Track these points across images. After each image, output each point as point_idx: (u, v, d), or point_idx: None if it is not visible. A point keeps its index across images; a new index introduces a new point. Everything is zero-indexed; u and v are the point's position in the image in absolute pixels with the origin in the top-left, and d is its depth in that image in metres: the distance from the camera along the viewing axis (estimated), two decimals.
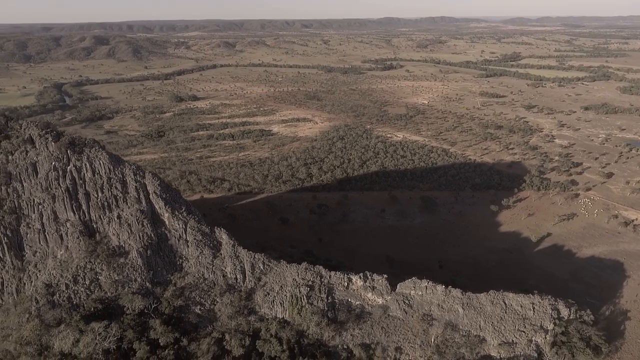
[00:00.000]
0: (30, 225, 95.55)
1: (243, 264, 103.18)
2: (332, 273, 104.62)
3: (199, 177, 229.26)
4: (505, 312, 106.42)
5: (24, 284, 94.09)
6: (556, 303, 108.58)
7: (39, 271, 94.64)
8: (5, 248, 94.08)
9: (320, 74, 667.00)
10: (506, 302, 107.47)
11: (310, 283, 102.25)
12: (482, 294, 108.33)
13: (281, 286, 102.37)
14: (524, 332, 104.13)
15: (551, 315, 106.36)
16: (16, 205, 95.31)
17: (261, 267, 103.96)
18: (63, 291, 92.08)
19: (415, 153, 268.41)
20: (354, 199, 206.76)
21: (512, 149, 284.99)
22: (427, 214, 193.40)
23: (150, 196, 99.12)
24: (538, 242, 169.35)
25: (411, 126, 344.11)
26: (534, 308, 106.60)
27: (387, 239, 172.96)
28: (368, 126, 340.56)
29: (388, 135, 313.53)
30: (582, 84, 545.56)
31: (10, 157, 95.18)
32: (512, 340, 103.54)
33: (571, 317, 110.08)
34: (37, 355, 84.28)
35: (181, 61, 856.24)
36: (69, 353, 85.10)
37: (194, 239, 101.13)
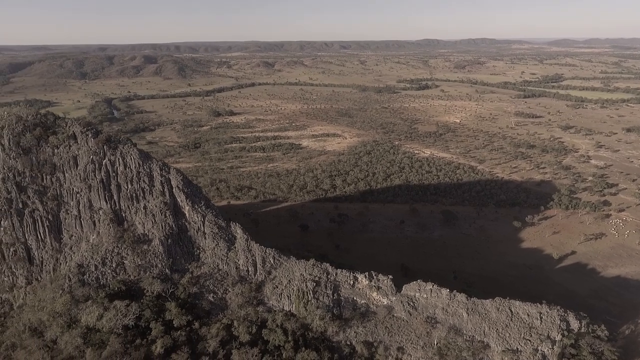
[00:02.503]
0: (68, 212, 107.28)
1: (255, 258, 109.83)
2: (339, 270, 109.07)
3: (227, 185, 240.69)
4: (511, 319, 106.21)
5: (60, 263, 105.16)
6: (566, 314, 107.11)
7: (74, 253, 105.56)
8: (47, 231, 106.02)
9: (354, 93, 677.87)
10: (512, 309, 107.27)
11: (316, 279, 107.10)
12: (487, 300, 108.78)
13: (289, 280, 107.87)
14: (529, 340, 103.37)
15: (559, 326, 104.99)
16: (58, 193, 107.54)
17: (271, 262, 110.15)
18: (92, 272, 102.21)
19: (441, 169, 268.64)
20: (375, 210, 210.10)
21: (543, 168, 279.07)
22: (447, 227, 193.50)
23: (174, 190, 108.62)
24: (560, 260, 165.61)
25: (440, 143, 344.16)
26: (541, 317, 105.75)
27: (404, 249, 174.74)
28: (396, 142, 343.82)
29: (415, 152, 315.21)
30: (627, 105, 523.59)
31: (55, 150, 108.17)
32: (517, 348, 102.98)
33: (582, 330, 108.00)
34: (66, 327, 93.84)
35: (222, 79, 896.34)
36: (93, 327, 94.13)
37: (211, 231, 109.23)
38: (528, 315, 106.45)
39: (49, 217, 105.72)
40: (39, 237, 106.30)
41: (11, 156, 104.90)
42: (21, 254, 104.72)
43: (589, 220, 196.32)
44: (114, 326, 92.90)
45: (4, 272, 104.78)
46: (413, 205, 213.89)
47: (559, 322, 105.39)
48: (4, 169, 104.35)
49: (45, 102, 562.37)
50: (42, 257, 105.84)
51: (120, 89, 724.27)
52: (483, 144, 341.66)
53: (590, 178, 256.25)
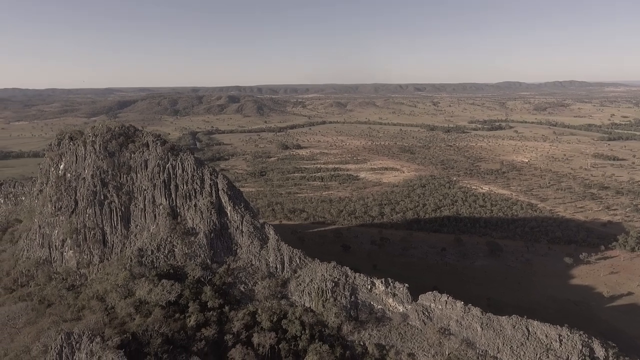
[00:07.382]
0: (137, 205, 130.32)
1: (283, 257, 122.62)
2: (357, 274, 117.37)
3: (282, 207, 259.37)
4: (527, 338, 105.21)
5: (126, 247, 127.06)
6: (589, 340, 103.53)
7: (137, 239, 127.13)
8: (119, 220, 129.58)
9: (422, 132, 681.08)
10: (529, 328, 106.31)
11: (335, 279, 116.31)
12: (503, 317, 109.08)
13: (311, 279, 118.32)
14: None
15: (581, 351, 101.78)
16: (130, 189, 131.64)
17: (297, 261, 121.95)
18: (149, 255, 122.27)
19: (496, 204, 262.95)
20: (419, 238, 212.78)
21: (615, 209, 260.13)
22: (490, 258, 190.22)
23: (219, 192, 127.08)
24: (612, 299, 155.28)
25: (501, 181, 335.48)
26: (560, 340, 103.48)
27: (441, 274, 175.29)
28: (454, 178, 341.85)
29: (473, 187, 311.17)
30: None
31: (132, 155, 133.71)
32: None
33: None
34: (123, 297, 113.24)
35: (296, 117, 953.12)
36: (144, 299, 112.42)
37: (248, 230, 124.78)
38: (546, 336, 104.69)
39: (122, 208, 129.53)
40: (113, 224, 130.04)
41: (100, 157, 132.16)
42: (98, 237, 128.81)
43: None
44: (159, 300, 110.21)
45: (85, 251, 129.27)
46: (459, 235, 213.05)
47: (580, 347, 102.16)
48: (93, 167, 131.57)
49: None
50: (113, 241, 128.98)
51: (205, 124, 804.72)
52: (549, 183, 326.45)
53: None
